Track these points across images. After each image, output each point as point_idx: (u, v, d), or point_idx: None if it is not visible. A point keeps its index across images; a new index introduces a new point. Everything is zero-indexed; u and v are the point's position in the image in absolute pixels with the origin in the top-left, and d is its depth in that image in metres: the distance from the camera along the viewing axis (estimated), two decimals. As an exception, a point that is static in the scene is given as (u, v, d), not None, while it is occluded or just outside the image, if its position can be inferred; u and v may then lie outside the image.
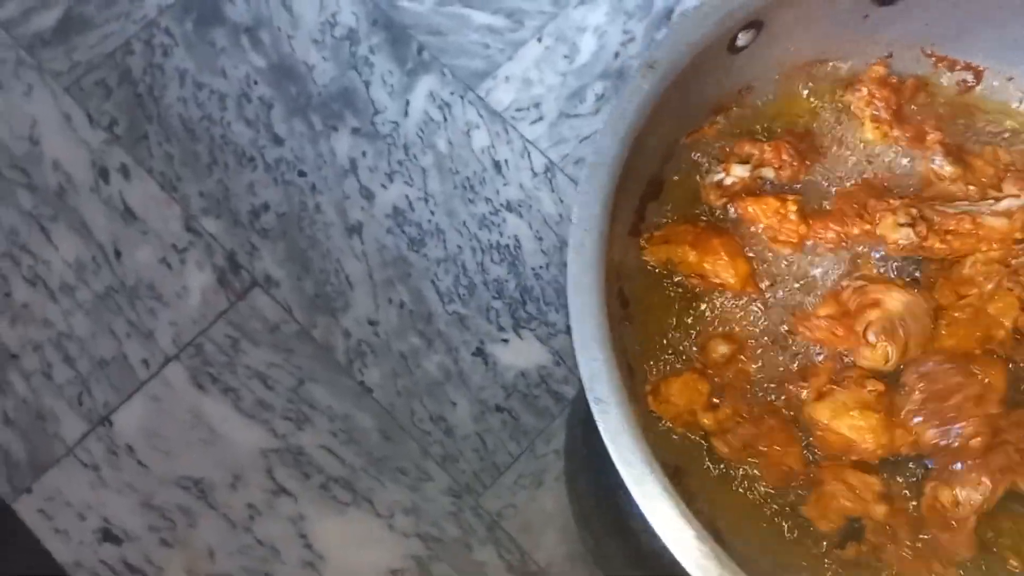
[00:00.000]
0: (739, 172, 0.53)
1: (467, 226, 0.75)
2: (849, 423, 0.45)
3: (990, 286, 0.45)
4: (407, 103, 0.78)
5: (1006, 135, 0.53)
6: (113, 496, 0.69)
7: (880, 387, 0.45)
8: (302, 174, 0.76)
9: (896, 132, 0.48)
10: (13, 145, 0.76)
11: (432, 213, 0.75)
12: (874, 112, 0.50)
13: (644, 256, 0.53)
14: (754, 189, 0.52)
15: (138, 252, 0.74)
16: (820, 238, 0.49)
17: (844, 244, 0.48)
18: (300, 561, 0.68)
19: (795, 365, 0.50)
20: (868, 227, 0.48)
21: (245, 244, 0.74)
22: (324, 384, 0.72)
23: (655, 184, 0.55)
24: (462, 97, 0.78)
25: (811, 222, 0.49)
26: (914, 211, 0.47)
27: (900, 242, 0.46)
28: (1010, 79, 0.56)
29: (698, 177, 0.55)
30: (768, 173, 0.52)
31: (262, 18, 0.80)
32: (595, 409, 0.42)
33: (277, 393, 0.71)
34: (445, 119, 0.78)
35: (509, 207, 0.74)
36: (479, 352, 0.72)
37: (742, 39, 0.51)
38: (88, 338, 0.72)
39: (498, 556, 0.68)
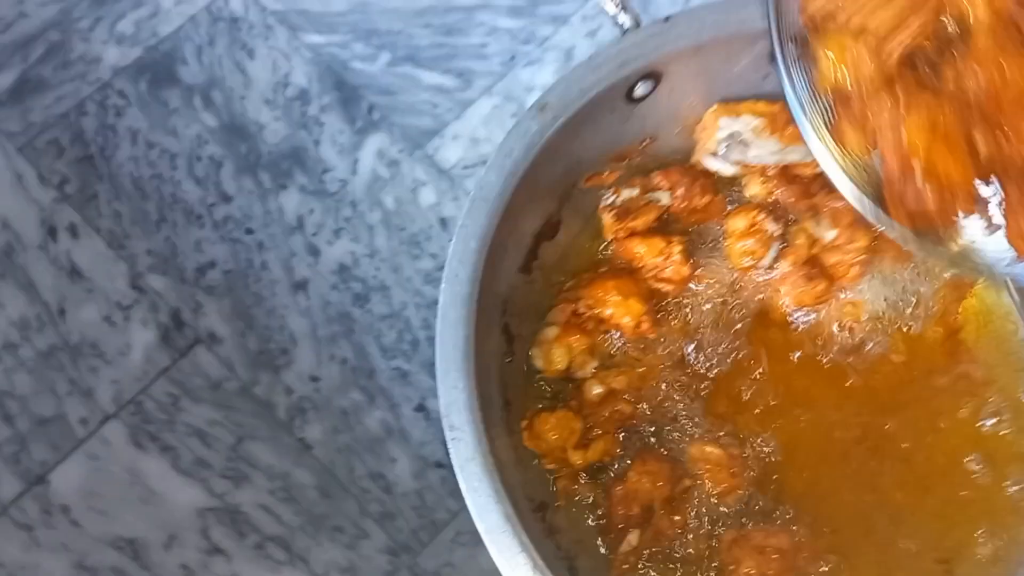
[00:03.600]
0: (627, 193, 0.54)
1: (412, 282, 0.77)
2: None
3: None
4: (356, 161, 0.81)
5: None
6: (46, 556, 0.70)
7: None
8: (249, 231, 0.78)
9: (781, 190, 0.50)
10: (-37, 204, 0.79)
11: (377, 269, 0.77)
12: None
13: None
14: (648, 222, 0.53)
15: (83, 310, 0.76)
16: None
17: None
18: (233, 623, 0.68)
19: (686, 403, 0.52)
20: None
21: (190, 301, 0.76)
22: (264, 441, 0.73)
23: (551, 223, 0.57)
24: (410, 155, 0.81)
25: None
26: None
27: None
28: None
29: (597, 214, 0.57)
30: (663, 197, 0.54)
31: (215, 79, 0.83)
32: (448, 436, 0.44)
33: (216, 451, 0.72)
34: (393, 177, 0.80)
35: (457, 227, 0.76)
36: (421, 407, 0.73)
37: (640, 89, 0.53)
38: (29, 396, 0.74)
39: (434, 618, 0.68)
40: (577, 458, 0.55)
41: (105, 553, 0.70)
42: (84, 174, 0.80)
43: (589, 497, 0.56)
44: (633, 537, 0.54)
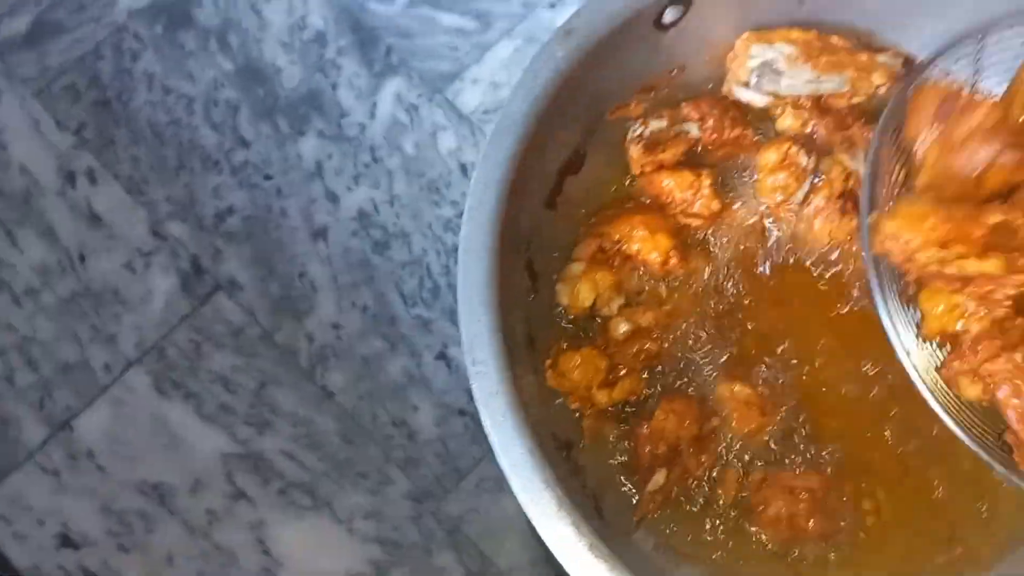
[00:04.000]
0: (655, 125, 0.54)
1: (432, 229, 0.76)
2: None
3: None
4: (374, 105, 0.80)
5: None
6: (72, 501, 0.70)
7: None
8: (268, 177, 0.78)
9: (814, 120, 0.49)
10: (-20, 150, 0.78)
11: (397, 216, 0.77)
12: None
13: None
14: (677, 155, 0.52)
15: (103, 257, 0.76)
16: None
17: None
18: (258, 567, 0.69)
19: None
20: None
21: (210, 248, 0.76)
22: (287, 388, 0.73)
23: (576, 157, 0.56)
24: (429, 99, 0.80)
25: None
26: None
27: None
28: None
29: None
30: (692, 128, 0.53)
31: (231, 21, 0.82)
32: (471, 371, 0.44)
33: (239, 398, 0.73)
34: (412, 121, 0.79)
35: (480, 157, 0.76)
36: (442, 356, 0.73)
37: (669, 15, 0.52)
38: (51, 342, 0.74)
39: (458, 561, 0.69)
40: (603, 397, 0.55)
41: (131, 497, 0.70)
42: (101, 119, 0.80)
43: (615, 436, 0.56)
44: (660, 477, 0.54)
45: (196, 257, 0.76)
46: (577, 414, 0.56)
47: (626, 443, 0.56)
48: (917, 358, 0.45)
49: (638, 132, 0.56)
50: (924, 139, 0.43)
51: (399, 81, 0.81)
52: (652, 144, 0.54)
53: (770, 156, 0.53)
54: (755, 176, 0.55)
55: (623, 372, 0.54)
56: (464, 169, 0.78)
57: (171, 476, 0.71)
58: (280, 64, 0.81)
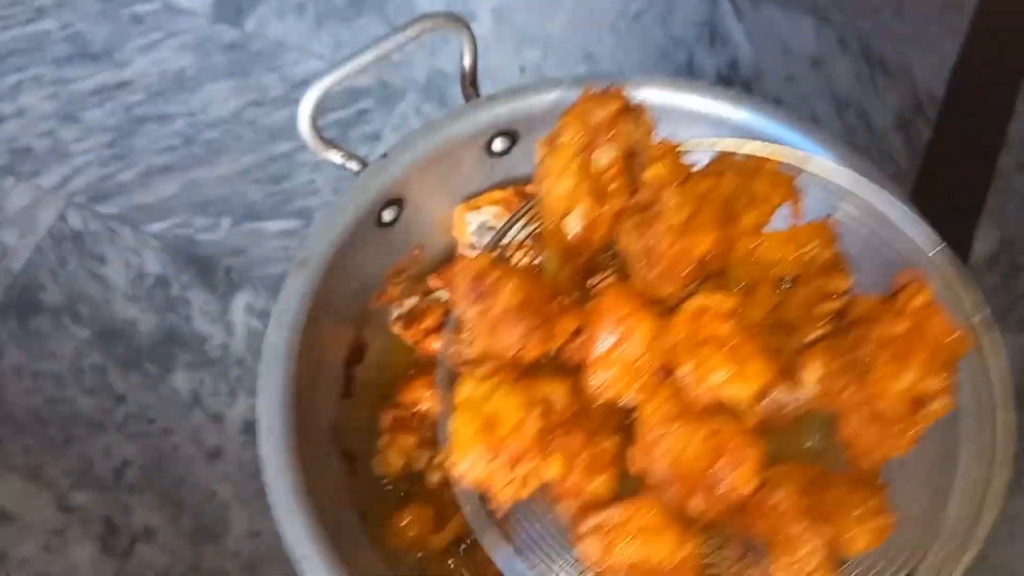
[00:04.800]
0: (409, 302, 0.63)
1: (314, 416, 0.83)
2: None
3: None
4: (229, 323, 0.87)
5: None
6: None
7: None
8: (151, 421, 0.84)
9: None
10: None
11: (280, 415, 0.83)
12: None
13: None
14: (437, 319, 0.61)
15: (21, 548, 0.80)
16: None
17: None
18: None
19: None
20: None
21: (118, 505, 0.81)
22: (227, 608, 0.77)
23: (358, 348, 0.65)
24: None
25: None
26: None
27: None
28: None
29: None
30: (442, 295, 0.62)
31: (77, 294, 0.89)
32: (301, 568, 0.50)
33: (185, 633, 0.77)
34: (266, 326, 0.86)
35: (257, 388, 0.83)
36: (359, 527, 0.79)
37: (388, 215, 0.62)
38: (-7, 646, 0.77)
39: None
40: (438, 541, 0.62)
41: None
42: (-19, 422, 0.85)
43: (461, 571, 0.63)
44: None
45: (108, 518, 0.81)
46: (425, 563, 0.63)
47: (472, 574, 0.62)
48: None
49: (396, 314, 0.65)
50: (467, 317, 0.44)
51: (245, 294, 0.88)
52: (412, 318, 0.63)
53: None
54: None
55: (450, 512, 0.61)
56: (327, 353, 0.85)
57: None
58: (132, 316, 0.88)
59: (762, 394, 0.42)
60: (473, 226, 0.65)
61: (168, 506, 0.81)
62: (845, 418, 0.42)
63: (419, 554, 0.62)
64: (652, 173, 0.43)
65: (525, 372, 0.44)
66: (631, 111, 0.45)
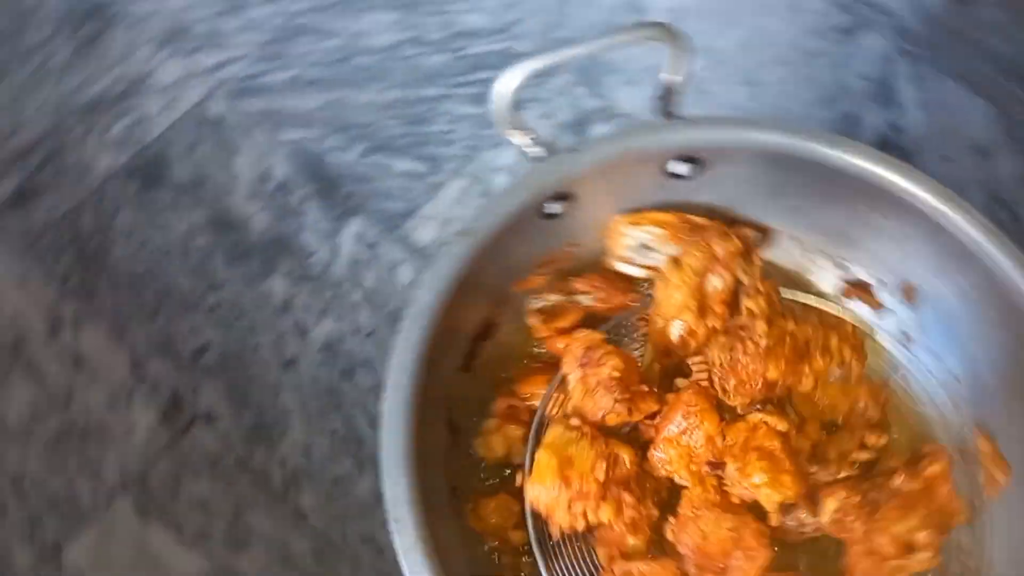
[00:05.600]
0: (553, 297, 0.64)
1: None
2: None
3: None
4: (337, 245, 0.89)
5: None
6: (61, 631, 0.76)
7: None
8: (240, 316, 0.86)
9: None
10: (-28, 305, 0.87)
11: (361, 345, 0.85)
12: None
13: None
14: (573, 321, 0.63)
15: (88, 396, 0.84)
16: None
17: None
18: None
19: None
20: None
21: (187, 383, 0.84)
22: (261, 511, 0.80)
23: (488, 326, 0.66)
24: (387, 236, 0.89)
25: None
26: None
27: None
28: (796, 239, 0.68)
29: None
30: (584, 299, 0.63)
31: (202, 177, 0.92)
32: (393, 527, 0.52)
33: (217, 522, 0.79)
34: (372, 257, 0.88)
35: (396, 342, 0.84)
36: (406, 471, 0.81)
37: (554, 208, 0.63)
38: (41, 477, 0.81)
39: (428, 666, 0.74)
40: (517, 537, 0.63)
41: (117, 624, 0.76)
42: (84, 271, 0.88)
43: (530, 571, 0.64)
44: None
45: (175, 392, 0.84)
46: (497, 553, 0.64)
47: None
48: None
49: (537, 306, 0.66)
50: (573, 377, 0.55)
51: (359, 221, 0.91)
52: (551, 315, 0.64)
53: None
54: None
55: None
56: (420, 298, 0.87)
57: (155, 601, 0.77)
58: (249, 212, 0.91)
59: (787, 506, 0.51)
60: (630, 240, 0.65)
61: (234, 398, 0.84)
62: (848, 547, 0.51)
63: (495, 543, 0.64)
64: (752, 304, 0.53)
65: (605, 432, 0.54)
66: (746, 253, 0.55)
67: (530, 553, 0.61)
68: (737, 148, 0.62)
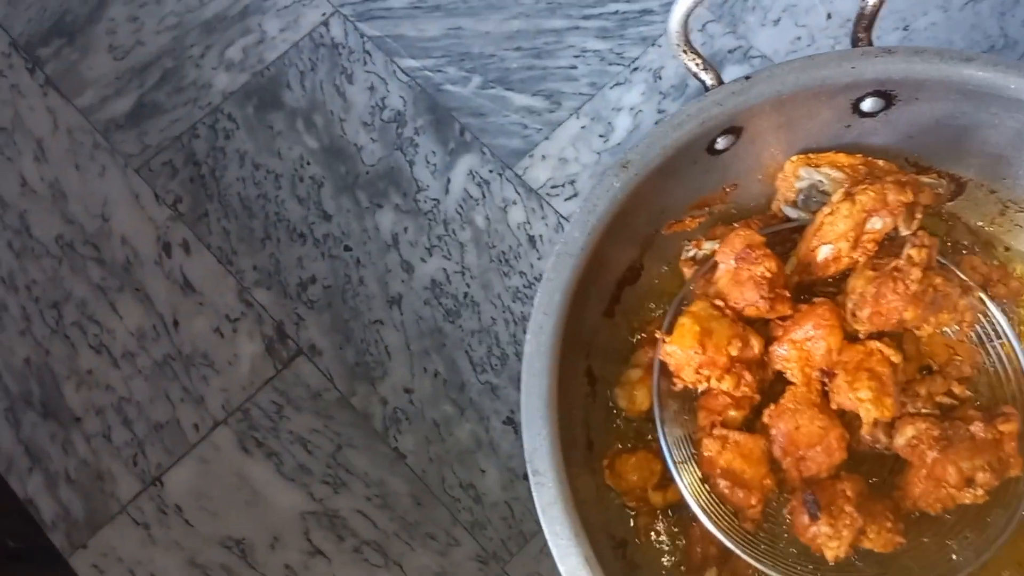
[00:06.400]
0: (709, 247, 0.59)
1: (501, 298, 0.82)
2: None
3: None
4: (448, 181, 0.86)
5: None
6: (161, 553, 0.77)
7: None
8: (348, 248, 0.85)
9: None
10: (86, 222, 0.87)
11: (468, 286, 0.83)
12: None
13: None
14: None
15: (194, 322, 0.84)
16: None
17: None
18: (332, 621, 0.74)
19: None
20: None
21: (292, 315, 0.83)
22: (361, 450, 0.79)
23: (634, 270, 0.61)
24: (500, 175, 0.86)
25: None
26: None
27: None
28: (993, 192, 0.61)
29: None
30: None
31: (317, 103, 0.90)
32: (532, 480, 0.48)
33: (317, 458, 0.79)
34: (483, 196, 0.85)
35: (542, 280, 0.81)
36: (509, 421, 0.79)
37: (721, 143, 0.57)
38: (146, 402, 0.81)
39: (521, 622, 0.73)
40: (656, 498, 0.60)
41: (215, 551, 0.77)
42: (196, 193, 0.88)
43: (668, 535, 0.61)
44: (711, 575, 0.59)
45: (280, 323, 0.83)
46: (632, 513, 0.61)
47: (677, 542, 0.60)
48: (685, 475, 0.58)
49: (691, 254, 0.62)
50: (724, 266, 0.58)
51: (472, 158, 0.87)
52: (707, 266, 0.60)
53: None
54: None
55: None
56: (533, 241, 0.84)
57: (252, 532, 0.78)
58: (361, 142, 0.89)
59: (878, 423, 0.57)
60: (804, 183, 0.60)
61: (338, 333, 0.83)
62: (911, 469, 0.58)
63: (630, 502, 0.61)
64: (915, 253, 0.56)
65: (741, 318, 0.59)
66: (915, 205, 0.58)
67: (668, 517, 0.61)
68: (940, 82, 0.55)
